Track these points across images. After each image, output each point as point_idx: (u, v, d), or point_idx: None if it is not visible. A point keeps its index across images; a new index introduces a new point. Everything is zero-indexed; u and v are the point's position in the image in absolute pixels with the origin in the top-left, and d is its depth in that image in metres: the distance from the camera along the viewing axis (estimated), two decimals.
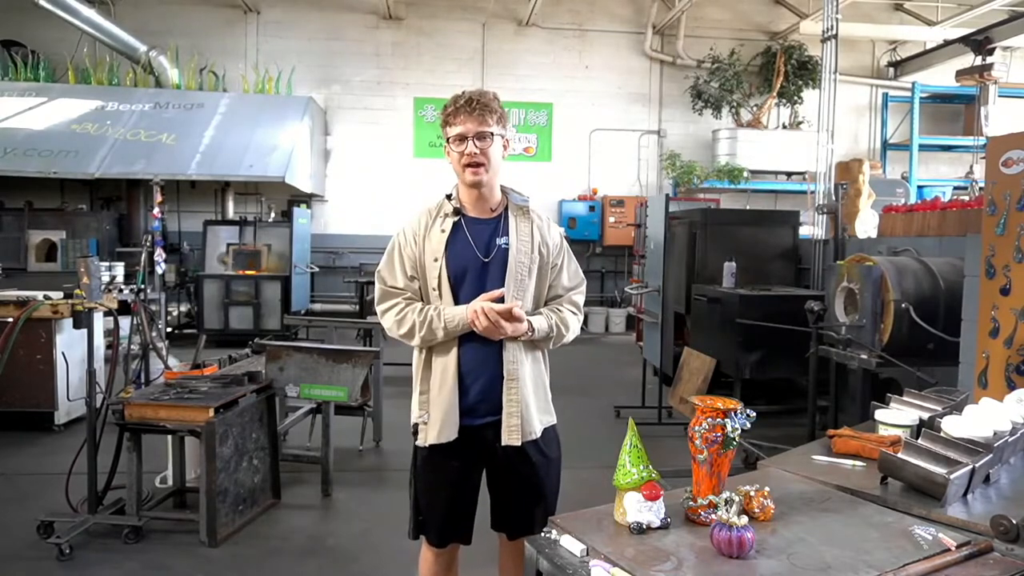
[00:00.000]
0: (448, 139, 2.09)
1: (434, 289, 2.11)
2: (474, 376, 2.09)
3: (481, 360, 2.09)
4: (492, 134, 2.07)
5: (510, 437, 2.07)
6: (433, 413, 2.10)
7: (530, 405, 2.11)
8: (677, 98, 11.93)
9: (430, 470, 2.16)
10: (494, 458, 2.15)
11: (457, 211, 2.14)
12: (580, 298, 2.27)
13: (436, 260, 2.10)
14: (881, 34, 12.14)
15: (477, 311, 2.01)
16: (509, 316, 2.00)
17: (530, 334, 2.09)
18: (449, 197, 2.18)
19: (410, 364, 2.25)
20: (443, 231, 2.12)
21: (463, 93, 2.09)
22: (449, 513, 2.18)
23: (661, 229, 5.85)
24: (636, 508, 1.54)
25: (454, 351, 2.09)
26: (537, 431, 2.13)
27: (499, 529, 2.28)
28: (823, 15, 7.46)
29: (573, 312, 2.22)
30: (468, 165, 2.06)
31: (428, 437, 2.11)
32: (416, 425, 2.14)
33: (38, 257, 9.43)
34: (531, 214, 2.20)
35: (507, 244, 2.11)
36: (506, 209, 2.18)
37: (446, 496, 2.16)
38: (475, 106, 2.05)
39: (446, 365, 2.09)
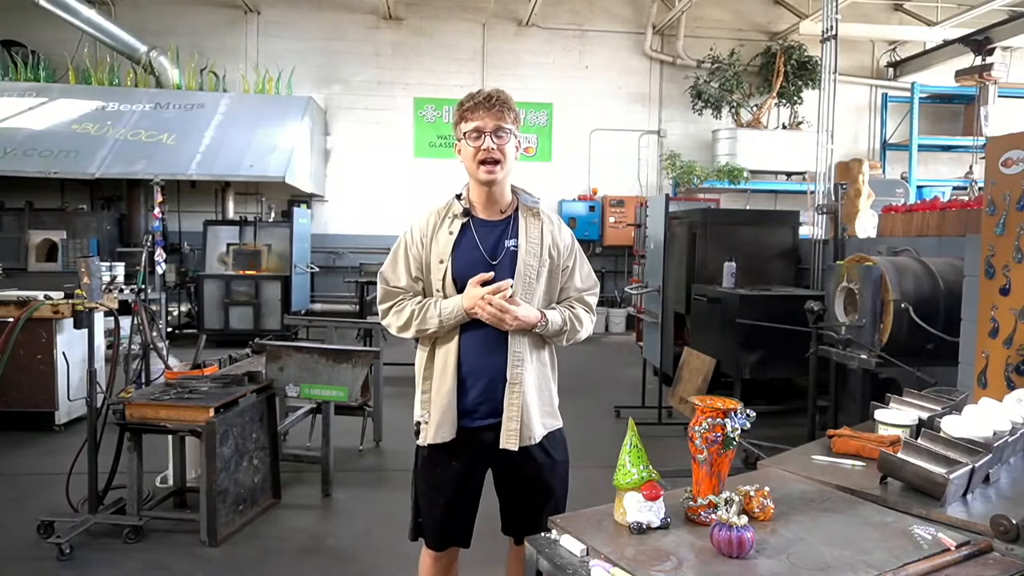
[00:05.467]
0: (463, 135, 2.04)
1: (438, 291, 2.08)
2: (475, 377, 2.06)
3: (482, 361, 2.06)
4: (509, 131, 2.03)
5: (508, 441, 2.04)
6: (433, 413, 2.08)
7: (532, 409, 2.07)
8: (677, 98, 11.94)
9: (430, 470, 2.14)
10: (497, 460, 2.12)
11: (466, 212, 2.10)
12: (593, 299, 2.24)
13: (442, 262, 2.06)
14: (881, 34, 12.14)
15: (480, 301, 1.98)
16: (508, 302, 1.99)
17: (543, 325, 2.06)
18: (459, 197, 2.14)
19: (411, 364, 2.24)
20: (451, 232, 2.08)
21: (480, 90, 2.05)
22: (448, 515, 2.15)
23: (661, 229, 5.86)
24: (636, 508, 1.54)
25: (455, 351, 2.06)
26: (537, 436, 2.08)
27: (508, 533, 2.24)
28: (823, 15, 7.46)
29: (586, 311, 2.20)
30: (483, 162, 2.02)
31: (427, 437, 2.09)
32: (418, 424, 2.13)
33: (38, 257, 9.42)
34: (541, 216, 2.16)
35: (516, 246, 2.08)
36: (516, 210, 2.14)
37: (445, 497, 2.13)
38: (494, 102, 2.01)
39: (446, 365, 2.06)
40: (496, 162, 2.02)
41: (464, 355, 2.06)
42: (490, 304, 1.98)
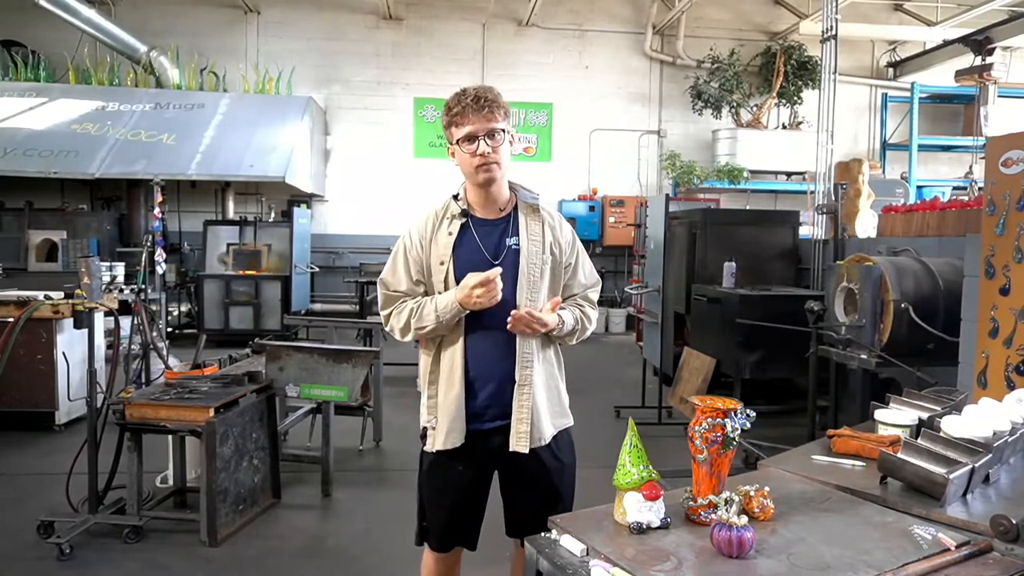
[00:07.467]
0: (455, 141, 2.01)
1: (440, 293, 2.04)
2: (483, 380, 2.03)
3: (489, 363, 2.03)
4: (502, 131, 1.99)
5: (518, 444, 2.01)
6: (440, 418, 2.03)
7: (541, 410, 2.05)
8: (677, 98, 11.94)
9: (436, 475, 2.11)
10: (505, 463, 2.08)
11: (464, 212, 2.06)
12: (595, 296, 2.26)
13: (442, 263, 2.03)
14: (881, 34, 12.14)
15: (471, 295, 1.93)
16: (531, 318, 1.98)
17: (560, 326, 2.06)
18: (456, 198, 2.10)
19: (411, 364, 2.24)
20: (450, 233, 2.04)
21: (465, 91, 2.00)
22: (453, 517, 2.12)
23: (661, 229, 5.86)
24: (636, 508, 1.54)
25: (461, 354, 2.02)
26: (547, 436, 2.06)
27: (513, 535, 2.20)
28: (823, 15, 7.46)
29: (591, 307, 2.22)
30: (481, 165, 1.98)
31: (435, 443, 2.05)
32: (424, 429, 2.09)
33: (38, 257, 9.42)
34: (542, 212, 2.12)
35: (517, 245, 2.05)
36: (515, 208, 2.10)
37: (451, 500, 2.11)
38: (483, 103, 1.96)
39: (453, 368, 2.03)
40: (494, 163, 1.99)
41: (471, 358, 2.03)
42: (519, 321, 1.96)
